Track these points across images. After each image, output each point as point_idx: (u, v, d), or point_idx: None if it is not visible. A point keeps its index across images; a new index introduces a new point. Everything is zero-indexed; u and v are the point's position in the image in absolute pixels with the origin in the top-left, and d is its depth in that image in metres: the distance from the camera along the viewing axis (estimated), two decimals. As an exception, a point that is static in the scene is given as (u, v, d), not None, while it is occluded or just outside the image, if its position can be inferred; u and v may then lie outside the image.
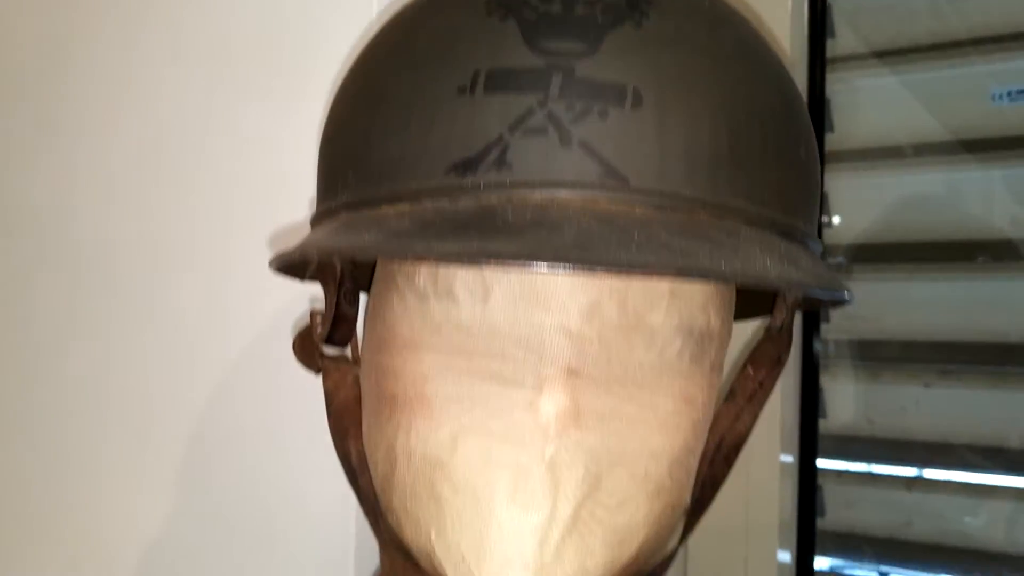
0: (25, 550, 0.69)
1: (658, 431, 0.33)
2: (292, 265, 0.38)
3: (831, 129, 0.80)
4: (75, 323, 0.68)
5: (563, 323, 0.32)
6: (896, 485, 0.78)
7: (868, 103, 0.80)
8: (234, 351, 0.61)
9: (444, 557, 0.32)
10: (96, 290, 0.68)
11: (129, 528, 0.64)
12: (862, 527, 0.80)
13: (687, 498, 0.36)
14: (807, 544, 0.80)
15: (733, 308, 0.37)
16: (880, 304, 0.79)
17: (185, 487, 0.62)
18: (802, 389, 0.79)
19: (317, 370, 0.40)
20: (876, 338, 0.80)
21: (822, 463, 0.80)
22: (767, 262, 0.29)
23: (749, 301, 0.44)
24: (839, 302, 0.41)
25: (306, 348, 0.41)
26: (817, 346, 0.79)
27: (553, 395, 0.31)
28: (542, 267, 0.26)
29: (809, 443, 0.79)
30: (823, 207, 0.80)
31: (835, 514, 0.80)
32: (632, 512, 0.33)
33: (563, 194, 0.29)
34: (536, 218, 0.28)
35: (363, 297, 0.42)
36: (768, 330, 0.39)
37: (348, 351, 0.41)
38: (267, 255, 0.58)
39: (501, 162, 0.29)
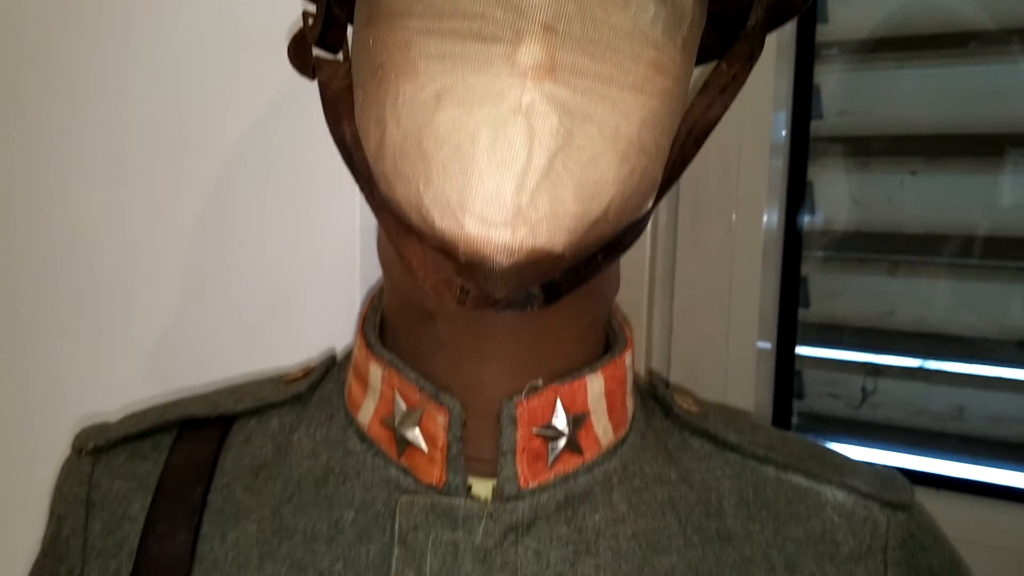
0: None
1: (629, 92, 0.35)
2: None
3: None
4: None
5: None
6: (880, 271, 0.81)
7: None
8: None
9: (431, 206, 0.34)
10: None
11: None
12: (844, 317, 0.84)
13: (658, 172, 0.38)
14: (788, 334, 0.83)
15: None
16: (871, 98, 0.80)
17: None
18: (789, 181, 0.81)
19: (311, 75, 0.42)
20: (867, 133, 0.81)
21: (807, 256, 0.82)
22: None
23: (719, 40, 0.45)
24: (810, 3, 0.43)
25: (300, 52, 0.43)
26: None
27: (530, 47, 0.33)
28: None
29: (793, 243, 0.82)
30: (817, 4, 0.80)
31: (819, 306, 0.84)
32: (603, 169, 0.35)
33: None
34: None
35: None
36: (743, 31, 0.41)
37: (340, 56, 0.43)
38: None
39: None
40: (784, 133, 0.79)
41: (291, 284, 0.61)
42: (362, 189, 0.38)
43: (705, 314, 0.78)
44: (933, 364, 0.79)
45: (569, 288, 0.35)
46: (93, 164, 0.67)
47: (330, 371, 0.45)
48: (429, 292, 0.34)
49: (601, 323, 0.41)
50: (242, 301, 0.63)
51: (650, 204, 0.39)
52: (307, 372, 0.45)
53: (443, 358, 0.38)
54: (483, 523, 0.37)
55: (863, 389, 0.81)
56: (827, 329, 0.85)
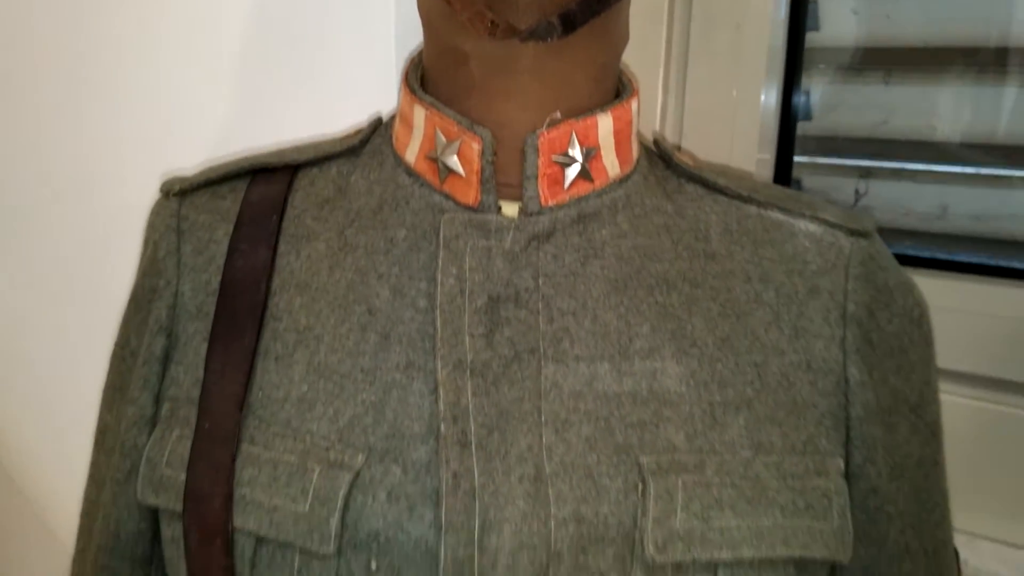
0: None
1: None
2: None
3: None
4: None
5: None
6: (876, 81, 0.86)
7: None
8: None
9: None
10: None
11: None
12: (843, 129, 0.90)
13: None
14: (786, 147, 0.89)
15: None
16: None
17: None
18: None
19: None
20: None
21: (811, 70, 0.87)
22: None
23: None
24: None
25: None
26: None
27: None
28: None
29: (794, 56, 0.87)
30: None
31: (821, 119, 0.89)
32: None
33: None
34: None
35: None
36: None
37: None
38: None
39: None
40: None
41: (331, 57, 0.67)
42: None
43: (711, 121, 0.84)
44: (919, 165, 0.85)
45: (583, 19, 0.42)
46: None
47: (377, 129, 0.53)
48: (465, 24, 0.41)
49: (612, 70, 0.48)
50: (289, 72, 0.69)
51: None
52: (358, 131, 0.53)
53: (476, 98, 0.45)
54: (511, 233, 0.45)
55: (856, 191, 0.88)
56: (827, 140, 0.91)
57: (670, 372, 0.44)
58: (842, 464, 0.46)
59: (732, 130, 0.81)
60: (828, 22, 0.87)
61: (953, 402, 0.73)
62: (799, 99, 0.87)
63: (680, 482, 0.42)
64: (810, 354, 0.46)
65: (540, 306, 0.44)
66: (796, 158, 0.89)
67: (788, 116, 0.86)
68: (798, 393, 0.46)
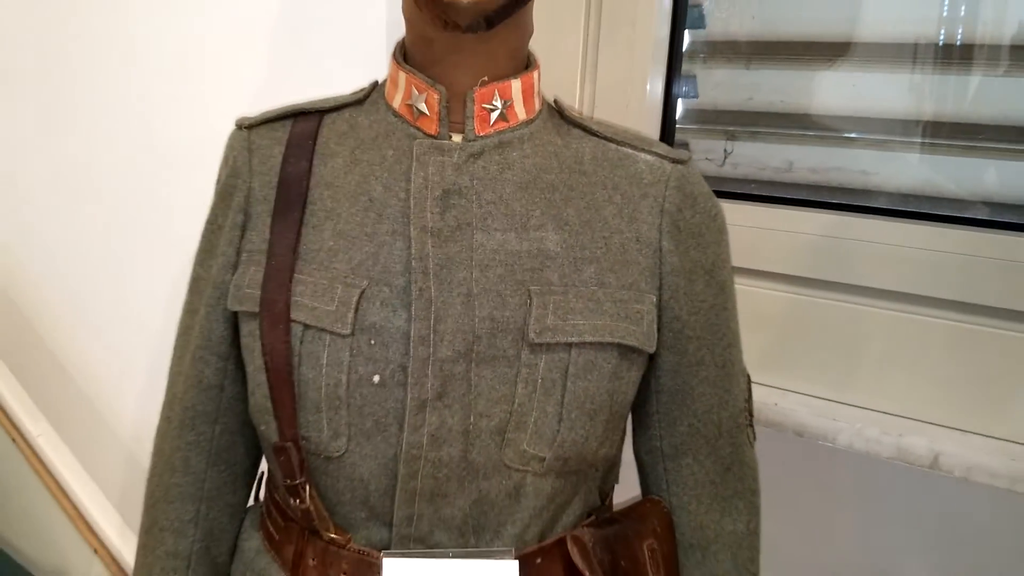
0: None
1: None
2: None
3: None
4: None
5: None
6: (741, 67, 1.15)
7: None
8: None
9: None
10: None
11: None
12: (720, 104, 1.19)
13: None
14: (672, 115, 1.19)
15: None
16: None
17: None
18: None
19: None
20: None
21: (696, 57, 1.17)
22: None
23: None
24: None
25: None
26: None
27: None
28: None
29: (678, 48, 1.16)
30: None
31: (704, 96, 1.19)
32: None
33: None
34: None
35: None
36: None
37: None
38: None
39: None
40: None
41: (344, 42, 0.96)
42: (395, -22, 0.73)
43: (617, 89, 1.13)
44: (773, 130, 1.15)
45: (500, 20, 0.69)
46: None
47: (376, 87, 0.81)
48: (429, 21, 0.69)
49: (521, 51, 0.76)
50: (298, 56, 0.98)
51: None
52: (363, 89, 0.81)
53: (437, 67, 0.73)
54: (457, 152, 0.73)
55: (725, 151, 1.18)
56: (707, 112, 1.20)
57: (550, 239, 0.74)
58: (654, 299, 0.75)
59: (629, 105, 1.10)
60: (711, 21, 1.16)
61: (771, 294, 1.04)
62: (681, 82, 1.17)
63: (551, 300, 0.71)
64: (639, 233, 0.76)
65: (474, 197, 0.73)
66: (685, 125, 1.18)
67: (670, 94, 1.15)
68: (629, 255, 0.75)
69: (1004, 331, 0.94)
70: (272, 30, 1.03)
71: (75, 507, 1.23)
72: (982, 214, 1.02)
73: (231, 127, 0.81)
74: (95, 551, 1.23)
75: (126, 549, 1.26)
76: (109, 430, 1.30)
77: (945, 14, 1.02)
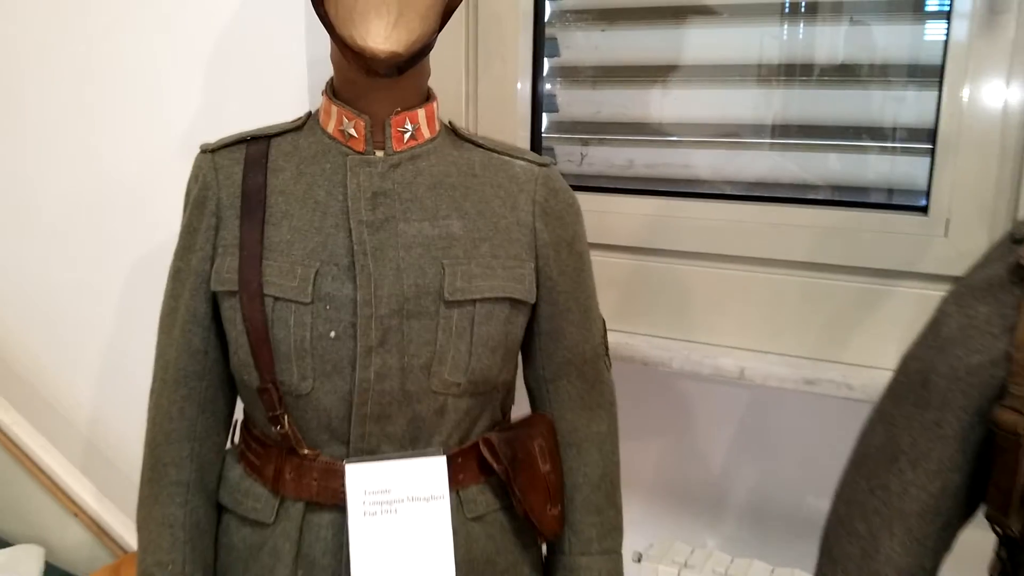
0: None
1: None
2: None
3: None
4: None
5: None
6: (586, 86, 1.46)
7: None
8: None
9: (355, 35, 0.93)
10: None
11: None
12: (575, 116, 1.49)
13: (438, 22, 0.98)
14: (538, 128, 1.48)
15: None
16: (585, -13, 1.42)
17: None
18: None
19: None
20: (582, 7, 1.43)
21: (555, 79, 1.46)
22: None
23: None
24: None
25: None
26: None
27: None
28: None
29: (539, 69, 1.45)
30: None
31: (563, 110, 1.48)
32: (418, 21, 0.95)
33: None
34: None
35: None
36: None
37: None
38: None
39: None
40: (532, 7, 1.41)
41: (272, 85, 1.20)
42: (326, 28, 0.97)
43: (495, 109, 1.41)
44: (617, 137, 1.46)
45: (407, 68, 0.95)
46: None
47: (311, 116, 1.05)
48: (354, 68, 0.94)
49: (423, 88, 1.02)
50: (240, 98, 1.21)
51: (436, 34, 1.00)
52: (300, 118, 1.05)
53: (362, 101, 0.98)
54: (380, 164, 0.99)
55: (581, 154, 1.48)
56: (565, 123, 1.50)
57: (455, 226, 1.00)
58: (532, 265, 1.03)
59: (504, 121, 1.38)
60: (564, 50, 1.46)
61: (619, 262, 1.35)
62: (544, 100, 1.46)
63: (459, 269, 0.98)
64: (518, 218, 1.03)
65: (396, 197, 0.99)
66: (549, 135, 1.47)
67: (537, 110, 1.44)
68: (512, 234, 1.02)
69: (776, 276, 1.28)
70: (208, 65, 1.25)
71: (50, 479, 1.39)
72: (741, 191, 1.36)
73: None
74: (75, 515, 1.39)
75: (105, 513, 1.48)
76: (66, 418, 1.47)
77: (753, 42, 1.36)
